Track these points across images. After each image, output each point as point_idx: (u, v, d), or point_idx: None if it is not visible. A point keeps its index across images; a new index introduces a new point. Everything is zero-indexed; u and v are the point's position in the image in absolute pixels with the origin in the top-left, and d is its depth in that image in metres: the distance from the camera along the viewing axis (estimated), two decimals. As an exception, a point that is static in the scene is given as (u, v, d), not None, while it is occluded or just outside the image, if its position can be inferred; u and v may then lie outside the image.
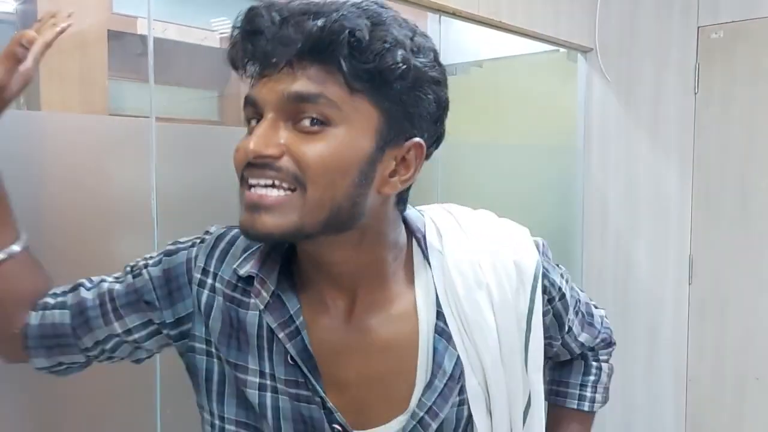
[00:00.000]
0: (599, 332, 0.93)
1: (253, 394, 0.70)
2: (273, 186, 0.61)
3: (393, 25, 0.62)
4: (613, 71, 2.64)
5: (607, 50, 2.64)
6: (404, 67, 0.61)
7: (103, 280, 0.78)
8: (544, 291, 0.75)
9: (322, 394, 0.69)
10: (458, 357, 0.70)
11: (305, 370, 0.69)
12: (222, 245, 0.75)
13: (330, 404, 0.70)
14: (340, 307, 0.71)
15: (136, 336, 0.76)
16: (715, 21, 2.39)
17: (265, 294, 0.70)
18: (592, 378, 0.94)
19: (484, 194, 2.42)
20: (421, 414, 0.70)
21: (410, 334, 0.71)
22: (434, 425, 0.70)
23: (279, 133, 0.61)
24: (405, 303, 0.72)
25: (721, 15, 2.37)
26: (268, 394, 0.70)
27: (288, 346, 0.69)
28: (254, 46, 0.61)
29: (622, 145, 2.65)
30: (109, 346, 0.77)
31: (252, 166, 0.61)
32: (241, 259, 0.72)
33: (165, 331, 0.75)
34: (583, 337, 0.90)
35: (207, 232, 0.78)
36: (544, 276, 0.75)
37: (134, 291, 0.75)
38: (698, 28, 2.42)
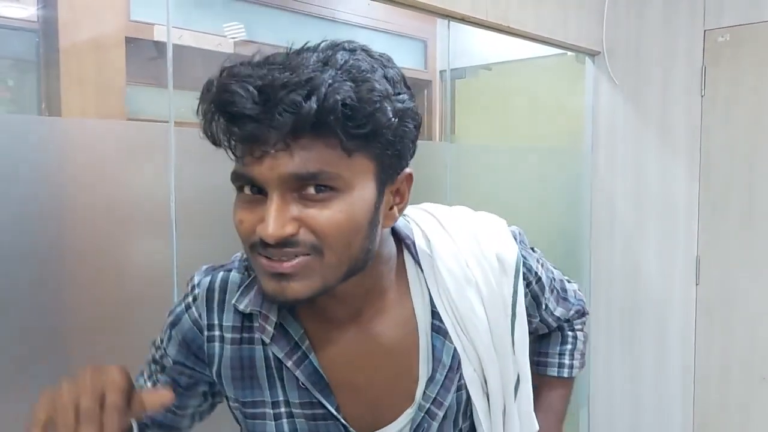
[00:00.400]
0: (573, 305, 0.98)
1: (270, 426, 0.75)
2: (291, 258, 0.63)
3: (371, 74, 0.61)
4: (621, 74, 2.67)
5: (615, 53, 2.67)
6: (395, 119, 0.62)
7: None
8: (524, 278, 0.80)
9: (335, 413, 0.74)
10: (455, 349, 0.75)
11: (316, 393, 0.73)
12: (216, 296, 0.76)
13: (343, 421, 0.74)
14: (345, 320, 0.75)
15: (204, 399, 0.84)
16: (721, 24, 2.41)
17: (269, 328, 0.73)
18: (569, 347, 1.02)
19: (493, 196, 2.46)
20: (428, 405, 0.75)
21: (411, 335, 0.76)
22: (440, 413, 0.76)
23: (290, 208, 0.61)
24: (403, 307, 0.76)
25: (726, 19, 2.40)
26: (284, 420, 0.75)
27: (297, 373, 0.73)
28: (241, 129, 0.59)
29: (629, 147, 2.68)
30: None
31: (268, 245, 0.61)
32: (238, 294, 0.74)
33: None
34: (559, 312, 0.96)
35: (193, 287, 0.78)
36: (523, 264, 0.80)
37: (174, 381, 0.80)
38: (705, 31, 2.44)
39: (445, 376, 0.75)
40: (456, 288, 0.74)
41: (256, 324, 0.74)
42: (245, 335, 0.75)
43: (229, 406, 0.80)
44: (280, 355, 0.73)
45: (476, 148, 2.60)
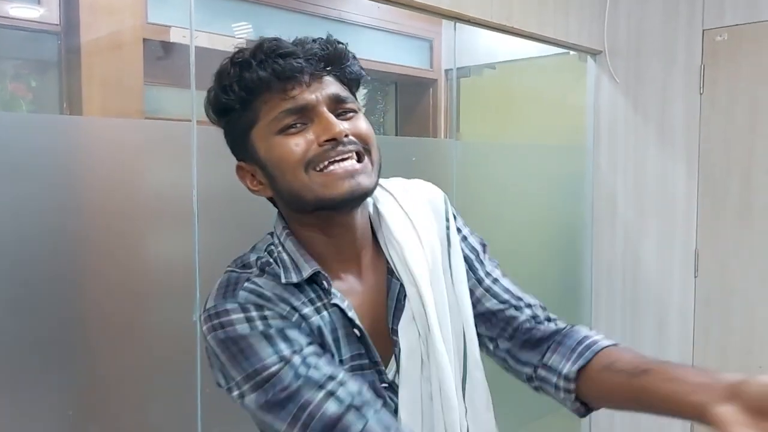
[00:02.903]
0: (529, 295, 0.94)
1: None
2: (352, 158, 0.79)
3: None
4: (622, 73, 2.74)
5: (616, 52, 2.74)
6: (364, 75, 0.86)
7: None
8: (455, 217, 0.94)
9: (378, 359, 0.82)
10: (401, 285, 0.86)
11: (368, 339, 0.82)
12: (261, 299, 0.77)
13: (382, 366, 0.83)
14: (351, 274, 0.85)
15: None
16: (719, 24, 2.47)
17: (331, 288, 0.82)
18: (584, 329, 0.89)
19: (496, 192, 2.52)
20: (394, 337, 0.84)
21: (385, 280, 0.87)
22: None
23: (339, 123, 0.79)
24: (379, 256, 0.88)
25: (725, 18, 2.46)
26: None
27: (357, 322, 0.81)
28: (292, 62, 0.77)
29: (630, 144, 2.75)
30: None
31: (328, 147, 0.77)
32: (283, 273, 0.80)
33: None
34: (513, 289, 0.93)
35: (240, 306, 0.76)
36: (449, 204, 0.94)
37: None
38: (703, 30, 2.51)
39: (395, 307, 0.85)
40: (398, 227, 0.87)
41: (316, 294, 0.81)
42: (297, 316, 0.78)
43: None
44: (350, 313, 0.81)
45: (480, 145, 2.66)
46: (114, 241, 1.50)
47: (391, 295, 0.86)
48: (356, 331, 0.82)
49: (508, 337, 0.91)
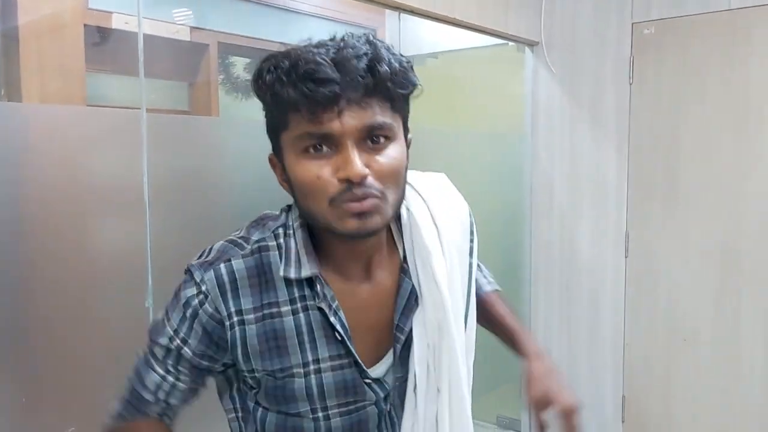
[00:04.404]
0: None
1: (299, 382, 0.86)
2: (370, 197, 0.77)
3: (396, 51, 0.80)
4: (558, 63, 2.85)
5: (552, 44, 2.85)
6: (419, 85, 0.81)
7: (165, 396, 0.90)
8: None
9: (359, 360, 0.86)
10: (413, 286, 0.89)
11: (349, 344, 0.85)
12: (228, 287, 0.83)
13: (364, 367, 0.87)
14: (359, 272, 0.87)
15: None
16: (647, 18, 2.61)
17: (323, 291, 0.84)
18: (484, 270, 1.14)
19: (441, 178, 2.59)
20: (398, 334, 0.89)
21: (396, 279, 0.90)
22: (402, 337, 0.89)
23: (362, 157, 0.76)
24: (393, 256, 0.90)
25: (652, 12, 2.60)
26: (312, 377, 0.86)
27: (338, 327, 0.84)
28: (326, 90, 0.72)
29: (566, 131, 2.87)
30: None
31: (346, 187, 0.75)
32: (283, 267, 0.83)
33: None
34: (485, 277, 1.12)
35: (198, 284, 0.83)
36: (473, 218, 0.98)
37: (194, 368, 0.88)
38: (632, 24, 2.65)
39: (404, 306, 0.88)
40: (427, 235, 0.89)
41: (301, 293, 0.84)
42: (266, 312, 0.84)
43: (243, 376, 0.89)
44: (332, 318, 0.83)
45: (424, 132, 2.73)
46: (61, 231, 1.48)
47: (402, 293, 0.88)
48: (337, 335, 0.85)
49: None
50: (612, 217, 2.77)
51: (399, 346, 0.89)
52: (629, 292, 2.76)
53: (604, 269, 2.81)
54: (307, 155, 0.77)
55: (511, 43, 2.88)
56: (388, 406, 0.92)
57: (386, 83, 0.75)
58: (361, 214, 0.77)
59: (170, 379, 0.87)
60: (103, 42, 2.11)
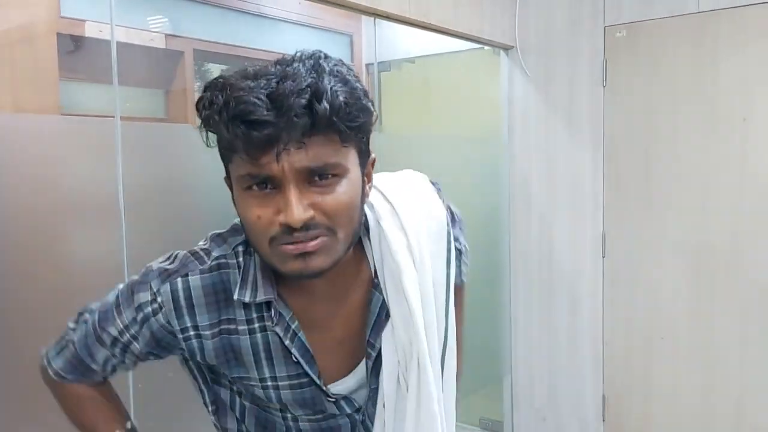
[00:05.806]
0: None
1: (258, 391, 0.87)
2: (314, 238, 0.72)
3: (350, 77, 0.73)
4: (532, 66, 2.88)
5: (527, 47, 2.88)
6: (374, 112, 0.76)
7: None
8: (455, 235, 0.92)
9: (317, 381, 0.85)
10: (383, 300, 0.85)
11: (306, 367, 0.84)
12: (183, 303, 0.82)
13: (323, 388, 0.86)
14: (323, 289, 0.84)
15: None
16: (618, 21, 2.66)
17: (278, 315, 0.82)
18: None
19: (419, 182, 2.60)
20: (369, 350, 0.87)
21: (367, 294, 0.87)
22: (373, 353, 0.87)
23: (305, 196, 0.71)
24: (361, 271, 0.87)
25: (624, 16, 2.65)
26: (272, 391, 0.86)
27: (293, 350, 0.83)
28: (260, 133, 0.67)
29: (541, 134, 2.90)
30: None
31: (291, 231, 0.70)
32: (238, 290, 0.81)
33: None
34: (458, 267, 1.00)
35: (155, 294, 0.82)
36: (450, 226, 0.91)
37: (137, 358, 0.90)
38: (605, 27, 2.69)
39: (374, 322, 0.85)
40: (397, 248, 0.84)
41: (258, 314, 0.83)
42: (224, 327, 0.83)
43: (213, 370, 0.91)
44: (286, 341, 0.82)
45: (402, 137, 2.74)
46: (36, 240, 1.47)
47: (372, 308, 0.85)
48: (293, 357, 0.84)
49: None
50: (589, 219, 2.81)
51: (371, 362, 0.87)
52: (607, 292, 2.79)
53: (582, 270, 2.84)
54: (251, 193, 0.72)
55: (486, 47, 2.91)
56: (361, 416, 0.91)
57: (330, 119, 0.68)
58: (304, 254, 0.72)
59: (118, 358, 0.89)
60: (76, 50, 2.09)
